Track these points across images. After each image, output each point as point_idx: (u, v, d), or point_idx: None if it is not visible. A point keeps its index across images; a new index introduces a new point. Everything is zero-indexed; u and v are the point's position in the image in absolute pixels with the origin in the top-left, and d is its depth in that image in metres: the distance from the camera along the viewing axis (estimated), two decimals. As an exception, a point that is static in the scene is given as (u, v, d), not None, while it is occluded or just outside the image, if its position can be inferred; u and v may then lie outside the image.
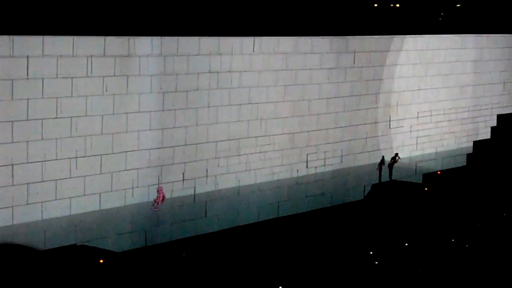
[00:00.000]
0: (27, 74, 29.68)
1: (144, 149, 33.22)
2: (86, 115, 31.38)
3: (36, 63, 29.74)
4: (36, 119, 30.08)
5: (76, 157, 31.26)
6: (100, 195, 32.13)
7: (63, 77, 30.46)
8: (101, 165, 32.06)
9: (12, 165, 29.68)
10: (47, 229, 30.04)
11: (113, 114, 32.21)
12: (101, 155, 31.99)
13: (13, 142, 29.64)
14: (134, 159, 32.93)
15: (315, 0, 39.28)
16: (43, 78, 30.02)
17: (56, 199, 30.93)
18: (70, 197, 31.29)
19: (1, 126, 29.35)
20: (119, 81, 32.10)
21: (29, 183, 30.18)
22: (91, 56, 31.06)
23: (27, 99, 29.77)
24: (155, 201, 33.61)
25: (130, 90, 32.52)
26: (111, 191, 32.48)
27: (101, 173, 32.13)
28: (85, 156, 31.45)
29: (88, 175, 31.69)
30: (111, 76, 31.89)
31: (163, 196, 33.84)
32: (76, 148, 31.26)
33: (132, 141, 32.79)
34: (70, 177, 31.26)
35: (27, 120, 29.88)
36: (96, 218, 31.49)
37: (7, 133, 29.47)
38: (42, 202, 30.55)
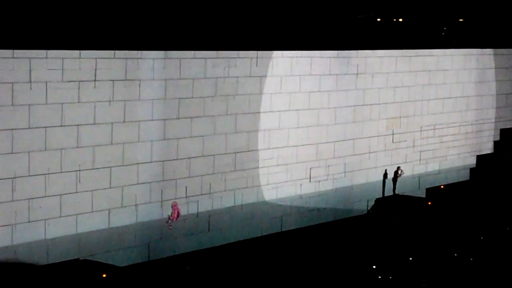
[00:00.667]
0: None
1: (155, 161, 32.17)
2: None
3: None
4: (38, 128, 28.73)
5: (80, 170, 29.92)
6: (109, 212, 30.91)
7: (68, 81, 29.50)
8: (110, 178, 30.73)
9: (13, 178, 28.14)
10: (50, 249, 29.11)
11: (124, 122, 31.10)
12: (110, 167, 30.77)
13: (13, 153, 28.12)
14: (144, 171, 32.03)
15: (318, 15, 39.38)
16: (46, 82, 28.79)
17: (61, 216, 29.54)
18: (76, 214, 30.02)
19: (0, 135, 27.89)
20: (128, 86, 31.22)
21: (31, 198, 28.71)
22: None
23: (29, 105, 28.36)
24: (169, 218, 32.37)
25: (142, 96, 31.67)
26: (121, 207, 31.24)
27: (110, 187, 30.87)
28: (92, 169, 30.18)
29: (96, 190, 30.38)
30: (121, 80, 30.84)
31: (178, 213, 32.42)
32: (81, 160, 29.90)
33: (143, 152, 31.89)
34: (76, 192, 29.94)
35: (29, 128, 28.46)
36: (103, 236, 30.44)
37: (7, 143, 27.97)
38: (45, 219, 29.21)
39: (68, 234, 29.68)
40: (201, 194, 33.76)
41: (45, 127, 28.86)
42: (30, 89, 28.36)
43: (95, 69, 30.05)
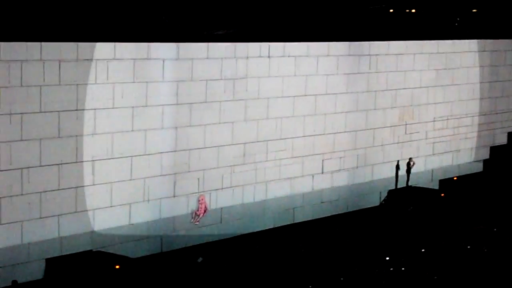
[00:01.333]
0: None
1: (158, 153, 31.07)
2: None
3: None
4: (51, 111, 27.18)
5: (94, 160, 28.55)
6: (130, 206, 29.70)
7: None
8: (131, 170, 29.28)
9: (22, 169, 26.43)
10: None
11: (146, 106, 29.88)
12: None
13: (22, 140, 26.43)
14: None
15: (330, 6, 39.23)
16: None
17: (76, 211, 28.18)
18: (93, 209, 28.72)
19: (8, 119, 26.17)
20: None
21: (44, 191, 27.21)
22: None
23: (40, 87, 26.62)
24: (195, 213, 30.87)
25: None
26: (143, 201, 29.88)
27: (131, 179, 29.35)
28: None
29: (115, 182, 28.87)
30: (143, 59, 29.76)
31: (206, 207, 30.71)
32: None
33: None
34: (93, 184, 28.35)
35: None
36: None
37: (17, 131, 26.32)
38: (58, 215, 27.78)
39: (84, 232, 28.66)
40: (215, 188, 33.33)
41: (58, 111, 27.45)
42: (43, 68, 26.68)
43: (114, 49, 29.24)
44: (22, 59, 26.61)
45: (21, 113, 26.60)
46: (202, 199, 30.92)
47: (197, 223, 30.77)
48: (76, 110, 28.12)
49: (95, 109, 28.62)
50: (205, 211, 30.95)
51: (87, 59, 28.30)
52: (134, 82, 30.03)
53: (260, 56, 34.52)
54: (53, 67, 27.28)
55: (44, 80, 27.06)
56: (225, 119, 33.38)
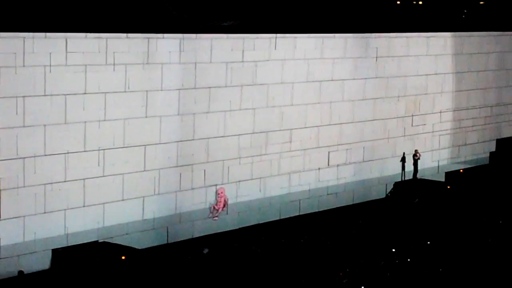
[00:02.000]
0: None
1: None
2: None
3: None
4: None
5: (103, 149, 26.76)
6: (143, 200, 28.04)
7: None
8: (145, 161, 27.46)
9: (24, 158, 24.27)
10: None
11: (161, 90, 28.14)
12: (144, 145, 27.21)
13: (25, 127, 24.22)
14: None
15: (337, -2, 39.20)
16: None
17: (84, 206, 26.50)
18: (103, 203, 26.97)
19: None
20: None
21: (49, 183, 25.43)
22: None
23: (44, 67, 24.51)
24: (214, 207, 28.74)
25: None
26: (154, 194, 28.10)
27: (145, 170, 27.44)
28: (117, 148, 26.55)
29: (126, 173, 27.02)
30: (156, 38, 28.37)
31: (225, 201, 28.48)
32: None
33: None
34: (104, 175, 26.36)
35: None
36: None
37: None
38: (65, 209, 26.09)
39: (92, 228, 27.33)
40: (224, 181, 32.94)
41: (65, 94, 25.39)
42: (49, 46, 24.25)
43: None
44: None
45: (23, 96, 24.47)
46: (222, 192, 28.84)
47: (216, 218, 28.62)
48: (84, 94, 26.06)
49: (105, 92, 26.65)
50: (224, 205, 28.94)
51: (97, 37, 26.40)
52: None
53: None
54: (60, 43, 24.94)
55: (50, 62, 24.94)
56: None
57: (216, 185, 32.76)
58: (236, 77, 32.80)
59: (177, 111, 29.95)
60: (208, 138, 31.90)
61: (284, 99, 35.20)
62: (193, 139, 31.09)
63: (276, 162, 35.67)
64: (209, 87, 31.32)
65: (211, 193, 32.23)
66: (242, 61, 33.04)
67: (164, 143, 29.59)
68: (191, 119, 30.78)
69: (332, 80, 37.27)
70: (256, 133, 34.16)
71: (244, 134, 33.56)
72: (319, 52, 36.45)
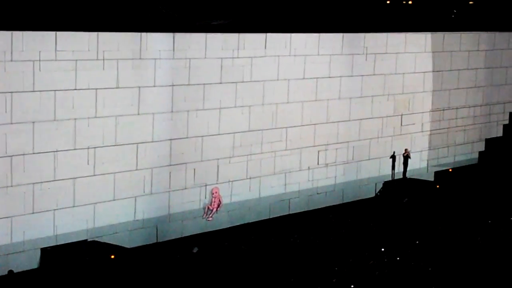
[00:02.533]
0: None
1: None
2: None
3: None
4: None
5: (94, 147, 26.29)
6: (135, 200, 27.66)
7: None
8: (137, 159, 26.95)
9: (12, 156, 23.56)
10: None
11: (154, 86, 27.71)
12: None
13: (12, 123, 23.47)
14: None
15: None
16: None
17: (74, 206, 26.15)
18: (93, 203, 26.55)
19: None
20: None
21: (38, 182, 24.86)
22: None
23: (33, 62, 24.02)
24: (208, 208, 28.23)
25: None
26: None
27: (137, 169, 27.00)
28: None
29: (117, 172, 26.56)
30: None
31: (220, 201, 27.97)
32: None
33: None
34: (94, 174, 25.95)
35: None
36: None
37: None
38: (54, 210, 25.52)
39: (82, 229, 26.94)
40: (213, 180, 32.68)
41: (55, 90, 24.84)
42: (38, 41, 23.49)
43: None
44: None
45: (11, 92, 23.83)
46: (216, 192, 28.45)
47: (211, 219, 28.17)
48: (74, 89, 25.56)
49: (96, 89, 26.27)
50: (219, 206, 28.54)
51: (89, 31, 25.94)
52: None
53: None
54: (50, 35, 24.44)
55: (40, 57, 24.42)
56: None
57: (206, 185, 32.59)
58: (230, 74, 32.58)
59: (169, 109, 29.50)
60: (202, 136, 31.51)
61: (279, 96, 35.16)
62: (186, 137, 30.64)
63: (268, 161, 35.66)
64: (203, 84, 30.88)
65: (204, 192, 31.90)
66: (237, 57, 32.68)
67: (157, 141, 29.20)
68: (184, 116, 30.33)
69: (324, 77, 37.34)
70: (251, 131, 33.96)
71: (238, 132, 33.34)
72: (314, 50, 36.48)
